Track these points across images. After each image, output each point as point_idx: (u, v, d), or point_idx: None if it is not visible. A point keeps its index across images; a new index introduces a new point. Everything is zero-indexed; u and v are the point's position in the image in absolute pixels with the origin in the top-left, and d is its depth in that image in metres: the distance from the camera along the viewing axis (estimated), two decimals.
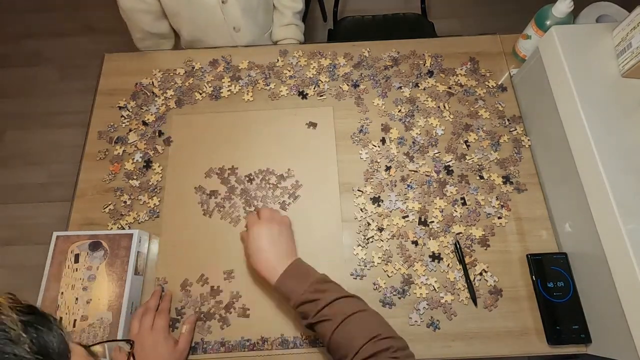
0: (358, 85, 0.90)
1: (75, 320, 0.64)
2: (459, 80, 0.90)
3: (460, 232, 0.76)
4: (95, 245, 0.69)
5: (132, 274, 0.67)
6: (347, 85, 0.90)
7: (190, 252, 0.75)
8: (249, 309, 0.71)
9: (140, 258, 0.72)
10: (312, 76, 0.91)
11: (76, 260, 0.68)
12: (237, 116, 0.87)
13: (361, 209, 0.78)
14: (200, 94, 0.90)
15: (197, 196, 0.80)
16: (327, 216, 0.78)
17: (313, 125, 0.86)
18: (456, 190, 0.79)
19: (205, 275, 0.73)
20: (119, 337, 0.63)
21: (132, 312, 0.68)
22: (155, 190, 0.80)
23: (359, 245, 0.75)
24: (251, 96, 0.89)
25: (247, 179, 0.81)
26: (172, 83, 0.91)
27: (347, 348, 0.55)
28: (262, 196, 0.79)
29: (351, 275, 0.73)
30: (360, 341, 0.54)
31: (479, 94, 0.89)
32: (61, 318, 0.64)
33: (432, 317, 0.70)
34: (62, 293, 0.66)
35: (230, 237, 0.76)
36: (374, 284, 0.73)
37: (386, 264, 0.74)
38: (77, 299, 0.66)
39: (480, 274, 0.73)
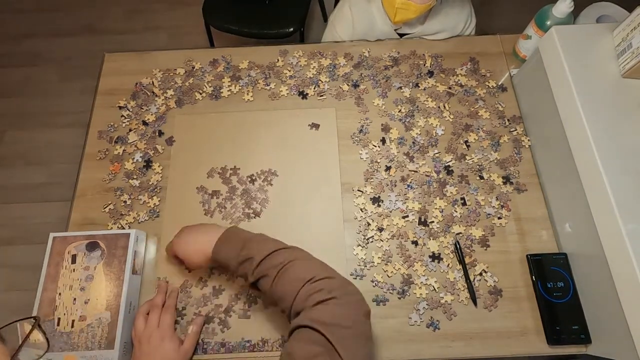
0: (358, 85, 0.90)
1: (73, 321, 0.64)
2: (459, 80, 0.90)
3: (460, 232, 0.76)
4: (92, 246, 0.69)
5: (129, 274, 0.67)
6: (347, 85, 0.90)
7: None
8: (249, 310, 0.71)
9: (138, 257, 0.71)
10: (312, 76, 0.91)
11: (73, 261, 0.68)
12: (240, 116, 0.87)
13: (361, 209, 0.78)
14: (201, 94, 0.90)
15: (199, 196, 0.80)
16: (329, 217, 0.78)
17: (316, 126, 0.86)
18: (456, 190, 0.79)
19: (206, 276, 0.73)
20: (118, 336, 0.63)
21: (130, 312, 0.67)
22: (155, 190, 0.80)
23: (359, 245, 0.75)
24: (251, 96, 0.89)
25: (249, 179, 0.81)
26: (172, 83, 0.91)
27: (286, 299, 0.52)
28: (262, 198, 0.79)
29: (351, 275, 0.73)
30: (296, 287, 0.52)
31: (479, 94, 0.88)
32: (59, 319, 0.64)
33: (432, 317, 0.70)
34: (59, 294, 0.66)
35: None
36: (372, 281, 0.73)
37: (386, 264, 0.74)
38: (75, 299, 0.65)
39: (480, 274, 0.73)
